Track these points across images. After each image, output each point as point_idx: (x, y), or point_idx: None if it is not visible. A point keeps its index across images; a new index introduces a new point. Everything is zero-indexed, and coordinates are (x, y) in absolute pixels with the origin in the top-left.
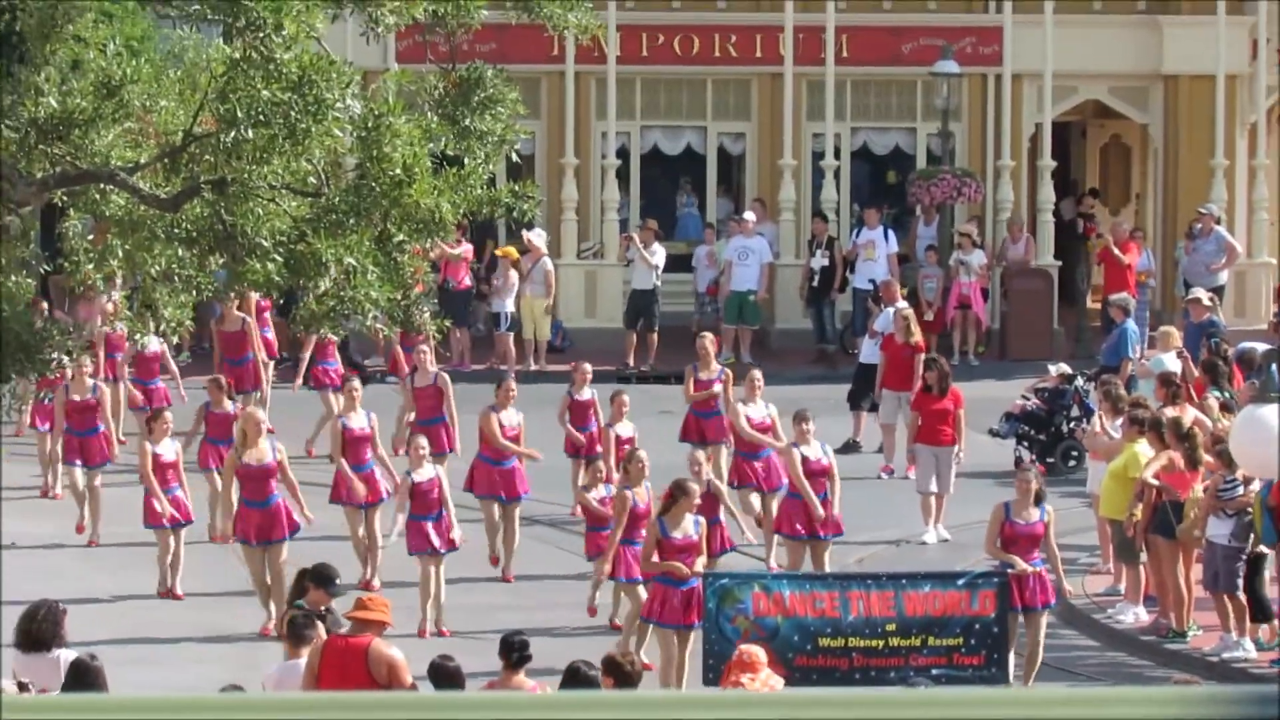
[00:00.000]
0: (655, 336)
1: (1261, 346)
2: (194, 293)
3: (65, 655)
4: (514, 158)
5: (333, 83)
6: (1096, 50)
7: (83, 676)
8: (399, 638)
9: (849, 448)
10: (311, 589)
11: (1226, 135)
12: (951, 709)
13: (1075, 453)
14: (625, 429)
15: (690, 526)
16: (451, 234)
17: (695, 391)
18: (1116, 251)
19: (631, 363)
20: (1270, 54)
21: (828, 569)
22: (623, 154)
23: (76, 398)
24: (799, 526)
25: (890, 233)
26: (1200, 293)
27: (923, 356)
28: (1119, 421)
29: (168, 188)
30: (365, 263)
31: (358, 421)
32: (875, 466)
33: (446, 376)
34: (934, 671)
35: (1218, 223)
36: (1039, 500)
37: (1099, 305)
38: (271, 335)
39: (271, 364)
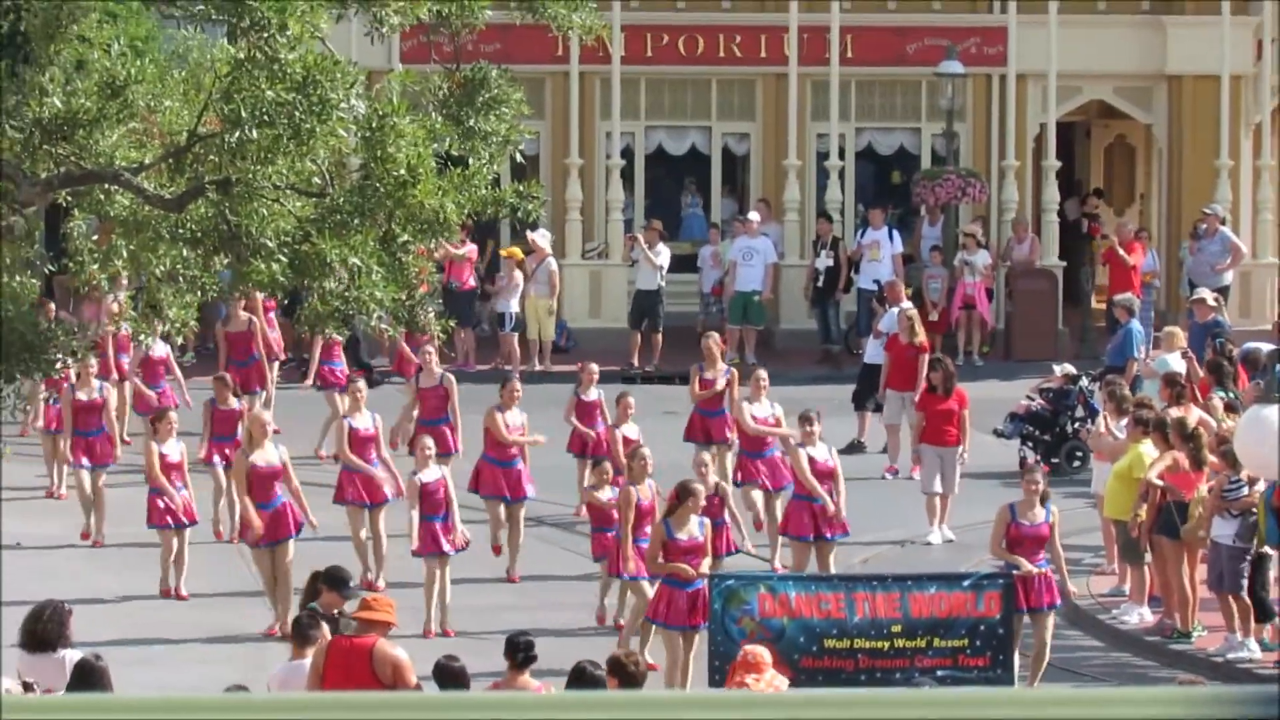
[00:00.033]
0: (660, 337)
1: (1266, 347)
2: (199, 293)
3: (70, 656)
4: (518, 158)
5: (337, 83)
6: (1101, 50)
7: (88, 677)
8: (404, 638)
9: (853, 448)
10: (325, 591)
11: (1231, 135)
12: (955, 709)
13: (1080, 453)
14: (630, 430)
15: (695, 528)
16: (456, 234)
17: (700, 390)
18: (1121, 252)
19: (636, 363)
20: (1275, 54)
21: (832, 570)
22: (627, 154)
23: (83, 398)
24: (805, 527)
25: (895, 233)
26: (1205, 293)
27: (927, 357)
28: (1124, 422)
29: (172, 188)
30: (370, 263)
31: (362, 422)
32: (880, 467)
33: (452, 377)
34: (939, 673)
35: (1222, 223)
36: (1043, 501)
37: (1104, 305)
38: (276, 335)
39: (276, 364)
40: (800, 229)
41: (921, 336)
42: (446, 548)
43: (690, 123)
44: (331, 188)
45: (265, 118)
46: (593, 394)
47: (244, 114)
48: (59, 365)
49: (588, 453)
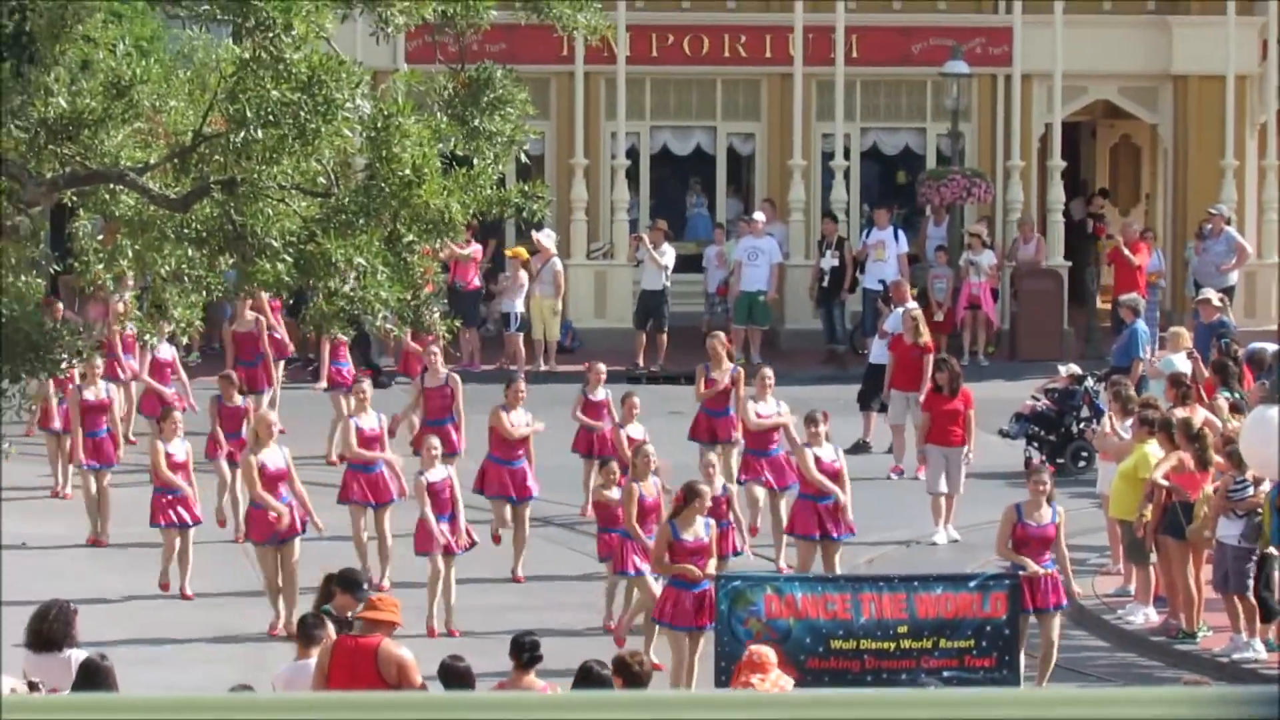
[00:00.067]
0: (665, 337)
1: (1271, 347)
2: (204, 293)
3: (76, 655)
4: (523, 158)
5: (342, 83)
6: (1106, 50)
7: (93, 676)
8: (409, 638)
9: (859, 448)
10: (339, 593)
11: (1236, 135)
12: (959, 709)
13: (1085, 453)
14: (636, 430)
15: (701, 529)
16: (461, 234)
17: (705, 389)
18: (1126, 252)
19: (641, 363)
20: None
21: (838, 570)
22: (632, 154)
23: (90, 398)
24: (811, 526)
25: (900, 233)
26: (1210, 293)
27: (931, 357)
28: (1129, 422)
29: (177, 188)
30: (375, 263)
31: (368, 422)
32: (885, 467)
33: (457, 378)
34: (945, 674)
35: (1228, 223)
36: (1049, 501)
37: (1109, 306)
38: (281, 335)
39: (282, 363)
40: (805, 229)
41: (926, 337)
42: (451, 543)
43: (695, 123)
44: (337, 188)
45: (270, 118)
46: (600, 394)
47: (249, 114)
48: (64, 365)
49: (594, 453)
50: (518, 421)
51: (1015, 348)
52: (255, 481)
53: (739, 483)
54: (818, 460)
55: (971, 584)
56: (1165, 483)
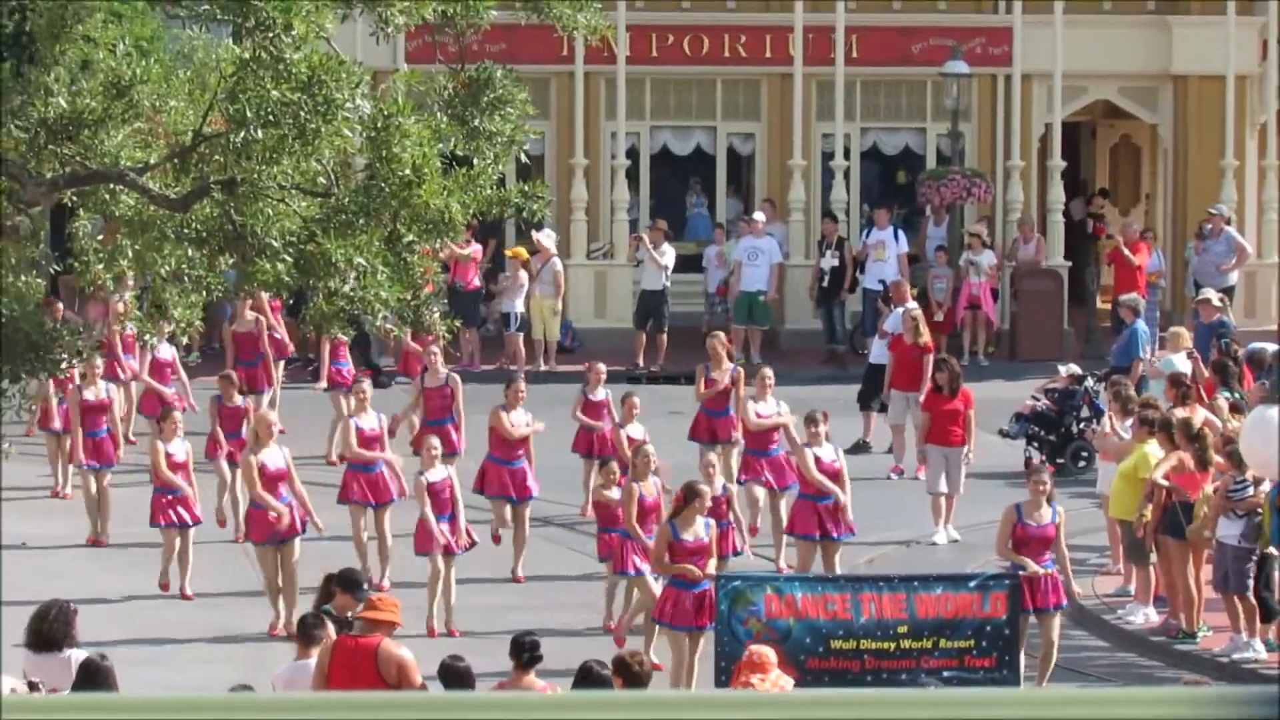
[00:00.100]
0: (665, 337)
1: (1271, 347)
2: (204, 293)
3: (76, 655)
4: (523, 158)
5: (342, 83)
6: (1106, 50)
7: (93, 676)
8: (409, 638)
9: (859, 448)
10: (339, 594)
11: (1236, 135)
12: (959, 709)
13: (1085, 453)
14: (636, 430)
15: (701, 529)
16: (461, 234)
17: (705, 389)
18: (1126, 252)
19: (641, 363)
20: None
21: (838, 570)
22: (632, 154)
23: (90, 398)
24: (811, 526)
25: (900, 233)
26: (1210, 293)
27: (931, 357)
28: (1129, 422)
29: (177, 188)
30: (375, 263)
31: (368, 422)
32: (885, 467)
33: (457, 378)
34: (945, 674)
35: (1228, 223)
36: (1049, 501)
37: (1109, 306)
38: (281, 334)
39: (282, 363)
40: (805, 229)
41: (926, 337)
42: (451, 543)
43: (695, 123)
44: (337, 188)
45: (270, 118)
46: (600, 394)
47: (249, 114)
48: (64, 365)
49: (594, 453)
50: (517, 421)
51: (1015, 348)
52: (255, 481)
53: (739, 483)
54: (818, 460)
55: (971, 584)
56: (1165, 483)
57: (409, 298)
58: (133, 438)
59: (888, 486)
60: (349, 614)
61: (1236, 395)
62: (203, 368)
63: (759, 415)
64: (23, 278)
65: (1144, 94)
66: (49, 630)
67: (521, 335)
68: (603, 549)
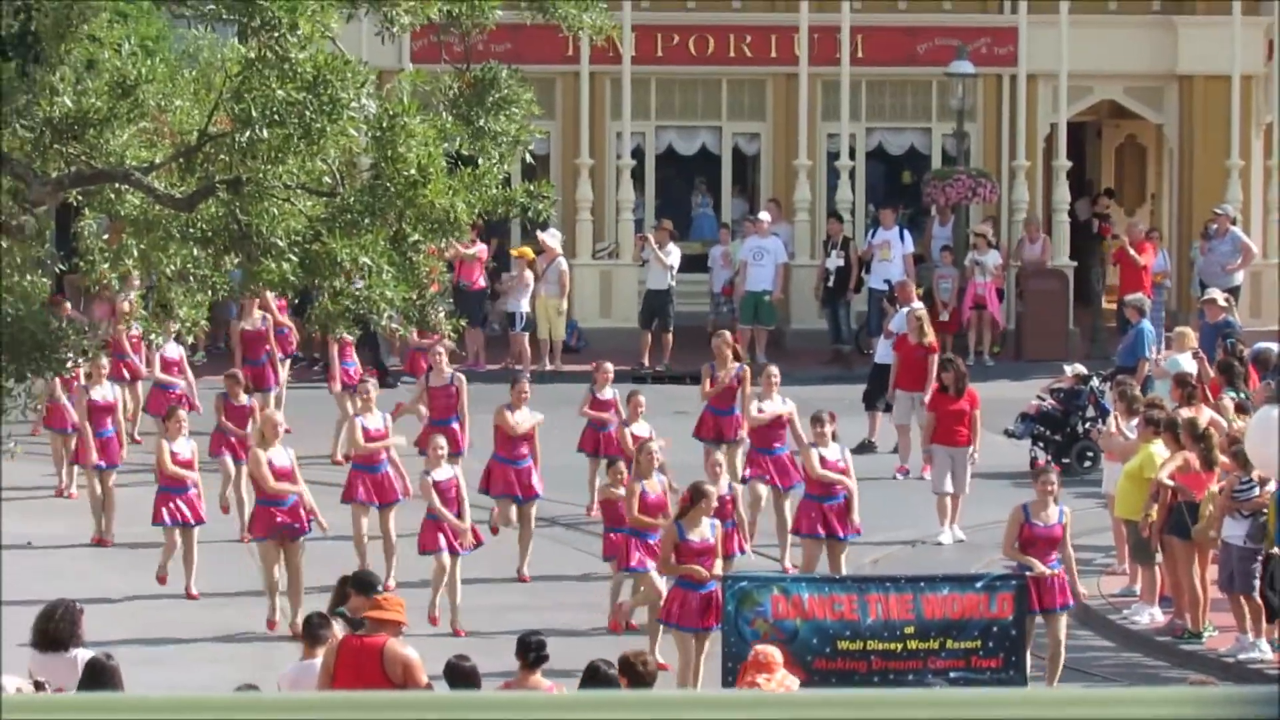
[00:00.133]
0: (670, 337)
1: (1276, 347)
2: (209, 292)
3: (82, 655)
4: (529, 158)
5: (348, 82)
6: (1111, 50)
7: (98, 676)
8: (414, 637)
9: (864, 448)
10: (354, 595)
11: (1242, 135)
12: (964, 709)
13: (1090, 453)
14: (641, 429)
15: (707, 530)
16: (466, 234)
17: (710, 388)
18: (1132, 252)
19: (646, 363)
20: None
21: (844, 570)
22: (638, 154)
23: (97, 398)
24: (817, 526)
25: (905, 233)
26: (1215, 293)
27: (936, 357)
28: (1134, 422)
29: (183, 187)
30: (380, 262)
31: (373, 422)
32: (890, 467)
33: (462, 377)
34: (952, 674)
35: (1233, 223)
36: (1055, 501)
37: (1114, 306)
38: (287, 331)
39: (288, 362)
40: (811, 229)
41: (930, 336)
42: (456, 543)
43: (701, 123)
44: (342, 187)
45: (276, 117)
46: (607, 393)
47: (254, 113)
48: (69, 364)
49: (599, 452)
50: (521, 420)
51: (1020, 348)
52: (267, 476)
53: (742, 481)
54: (824, 460)
55: (978, 584)
56: (1171, 483)
57: (414, 297)
58: (138, 437)
59: (893, 486)
60: (361, 615)
61: (1242, 395)
62: (208, 367)
63: (761, 411)
64: (28, 277)
65: (1149, 94)
66: (55, 630)
67: (526, 335)
68: (608, 548)
